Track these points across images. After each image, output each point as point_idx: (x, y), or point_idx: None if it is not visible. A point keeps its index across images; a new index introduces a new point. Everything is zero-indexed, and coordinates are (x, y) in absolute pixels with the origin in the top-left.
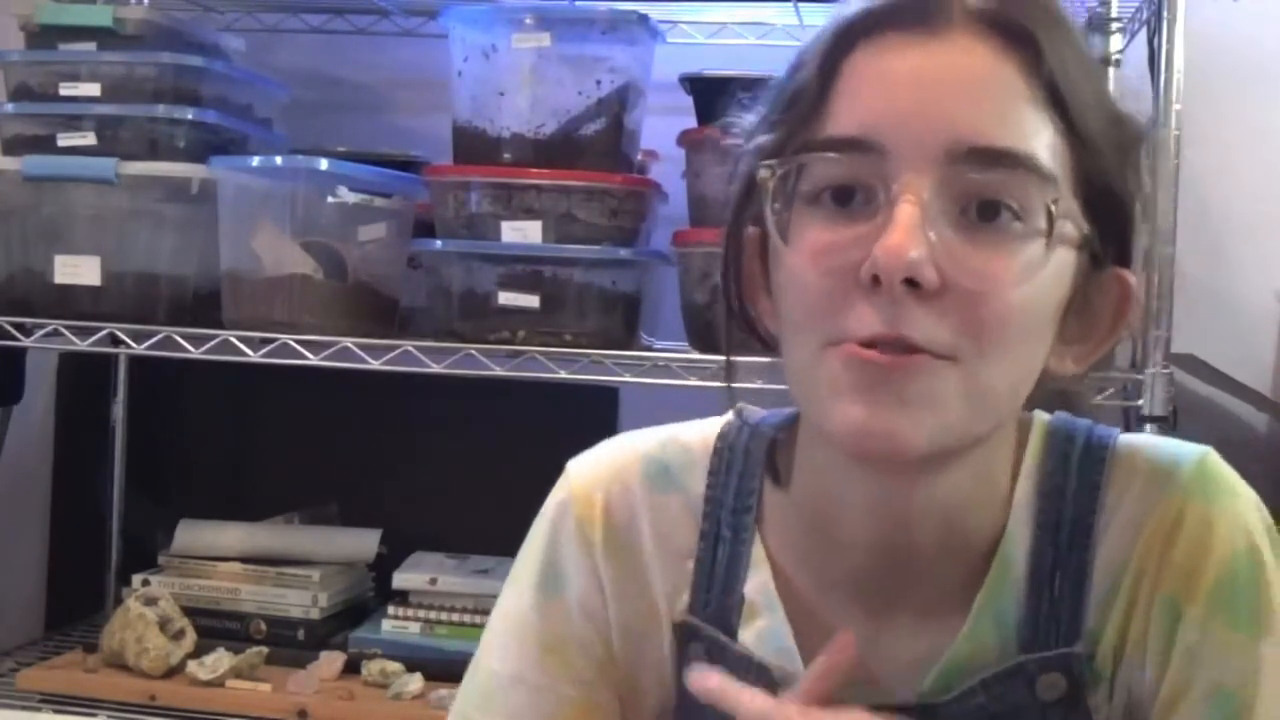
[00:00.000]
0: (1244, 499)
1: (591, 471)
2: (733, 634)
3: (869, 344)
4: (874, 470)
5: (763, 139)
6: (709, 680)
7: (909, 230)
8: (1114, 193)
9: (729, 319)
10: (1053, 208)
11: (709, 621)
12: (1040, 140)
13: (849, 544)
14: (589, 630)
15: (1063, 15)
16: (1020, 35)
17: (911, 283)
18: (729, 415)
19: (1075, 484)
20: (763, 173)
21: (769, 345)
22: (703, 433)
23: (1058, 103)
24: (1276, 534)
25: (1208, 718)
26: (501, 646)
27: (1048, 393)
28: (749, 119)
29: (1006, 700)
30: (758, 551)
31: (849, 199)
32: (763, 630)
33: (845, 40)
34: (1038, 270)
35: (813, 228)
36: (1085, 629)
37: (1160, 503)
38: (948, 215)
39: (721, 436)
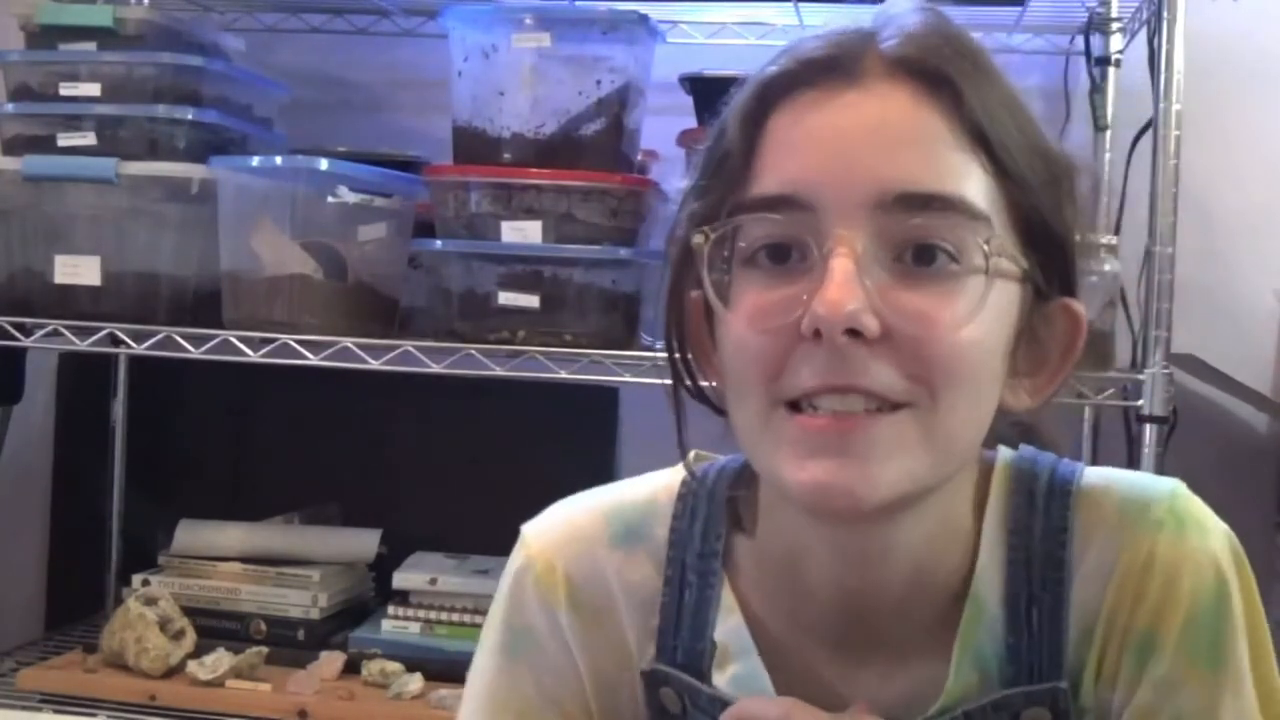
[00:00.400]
0: (1214, 534)
1: (549, 534)
2: (705, 679)
3: (814, 396)
4: (835, 525)
5: (694, 205)
6: None
7: (844, 282)
8: (1049, 226)
9: (676, 384)
10: (986, 246)
11: (678, 668)
12: (969, 181)
13: (817, 589)
14: (560, 689)
15: (983, 58)
16: (938, 80)
17: (853, 333)
18: (680, 467)
19: (1042, 523)
20: (696, 238)
21: (717, 409)
22: (665, 482)
23: (983, 144)
24: (1247, 567)
25: None
26: (472, 713)
27: (1007, 425)
28: (681, 185)
29: None
30: (727, 597)
31: (785, 257)
32: (738, 674)
33: (764, 101)
34: (979, 308)
35: (750, 290)
36: (1066, 664)
37: (1133, 541)
38: (883, 263)
39: (685, 483)
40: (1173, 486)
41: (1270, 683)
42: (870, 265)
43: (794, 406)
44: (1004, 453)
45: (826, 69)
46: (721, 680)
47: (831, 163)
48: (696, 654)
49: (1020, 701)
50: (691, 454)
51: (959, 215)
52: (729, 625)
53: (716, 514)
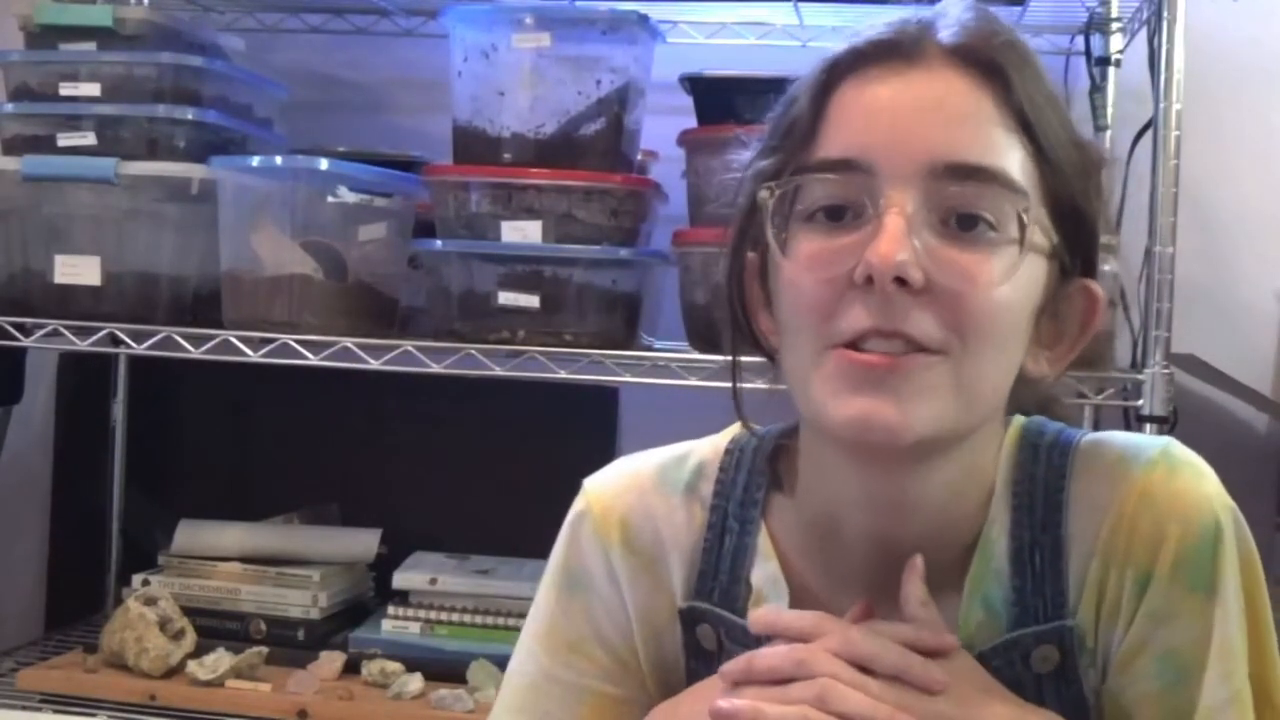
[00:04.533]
0: (1207, 476)
1: (607, 482)
2: (740, 616)
3: (863, 339)
4: (871, 464)
5: (761, 164)
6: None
7: (896, 237)
8: (1079, 209)
9: (734, 332)
10: (1024, 216)
11: (716, 605)
12: (1011, 159)
13: (850, 541)
14: (610, 627)
15: (1030, 54)
16: (991, 68)
17: (900, 282)
18: (736, 427)
19: (1044, 469)
20: (762, 194)
21: (770, 357)
22: (712, 443)
23: (1026, 128)
24: (1238, 511)
25: (1158, 676)
26: (530, 648)
27: (1029, 400)
28: (746, 153)
29: (1003, 675)
30: (765, 544)
31: (840, 215)
32: None
33: (833, 76)
34: (1013, 273)
35: (808, 241)
36: (1068, 603)
37: (1127, 480)
38: (930, 225)
39: (732, 441)
40: (1167, 439)
41: (1264, 647)
42: (919, 225)
43: (845, 348)
44: (1019, 417)
45: (890, 50)
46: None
47: (891, 132)
48: (733, 595)
49: (1030, 642)
50: (737, 425)
51: (1001, 187)
52: (765, 570)
53: (759, 470)
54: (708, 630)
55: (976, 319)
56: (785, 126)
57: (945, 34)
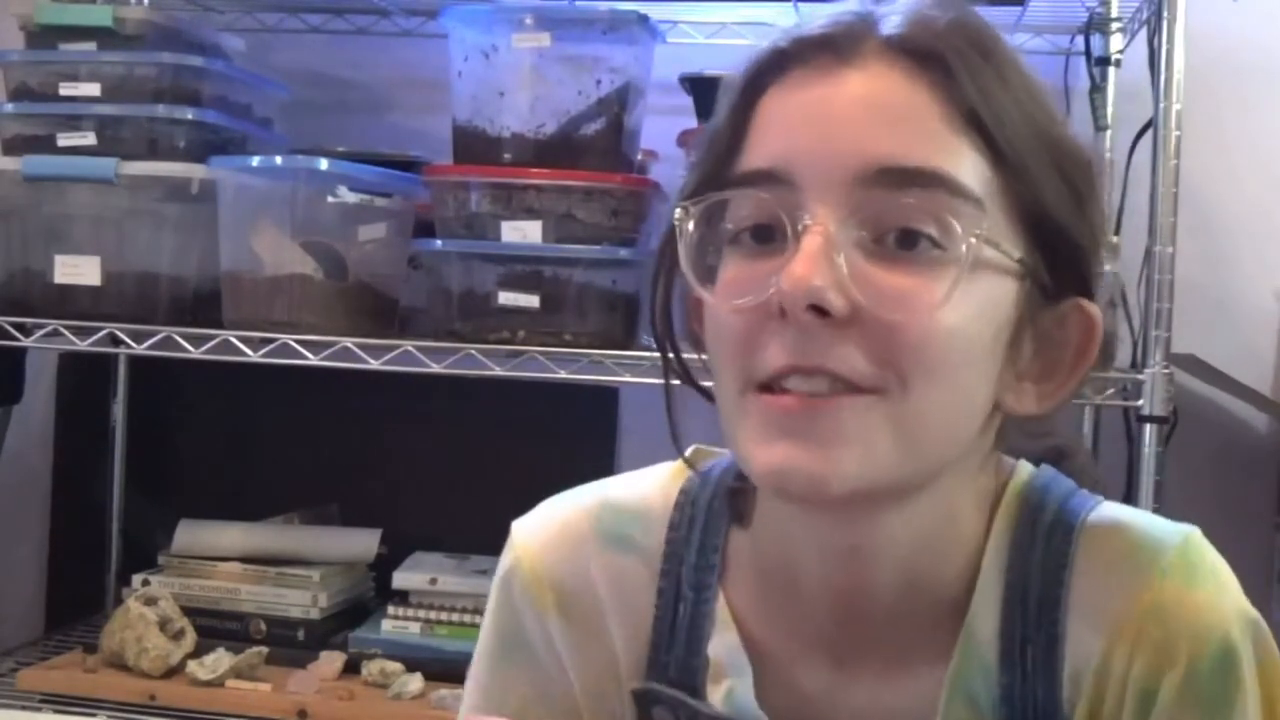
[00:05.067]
0: (1226, 587)
1: (535, 532)
2: (699, 696)
3: (781, 378)
4: (813, 513)
5: (683, 181)
6: None
7: (812, 258)
8: (1055, 220)
9: (665, 373)
10: (977, 231)
11: (672, 684)
12: (959, 161)
13: (811, 593)
14: (553, 689)
15: (989, 38)
16: (931, 57)
17: (821, 312)
18: (678, 464)
19: (1041, 557)
20: (678, 213)
21: (707, 395)
22: (659, 485)
23: (979, 127)
24: (1259, 621)
25: None
26: (472, 713)
27: (1031, 443)
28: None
29: None
30: (723, 612)
31: (768, 237)
32: (732, 691)
33: (755, 80)
34: (961, 296)
35: (728, 266)
36: (1061, 708)
37: (1136, 584)
38: (861, 243)
39: (684, 492)
40: (1187, 533)
41: None
42: (845, 244)
43: (765, 389)
44: (1021, 473)
45: (820, 47)
46: (716, 696)
47: (814, 136)
48: (691, 670)
49: None
50: (692, 449)
51: (944, 193)
52: (724, 641)
53: (715, 523)
54: (664, 715)
55: (913, 351)
56: (706, 141)
57: (885, 25)
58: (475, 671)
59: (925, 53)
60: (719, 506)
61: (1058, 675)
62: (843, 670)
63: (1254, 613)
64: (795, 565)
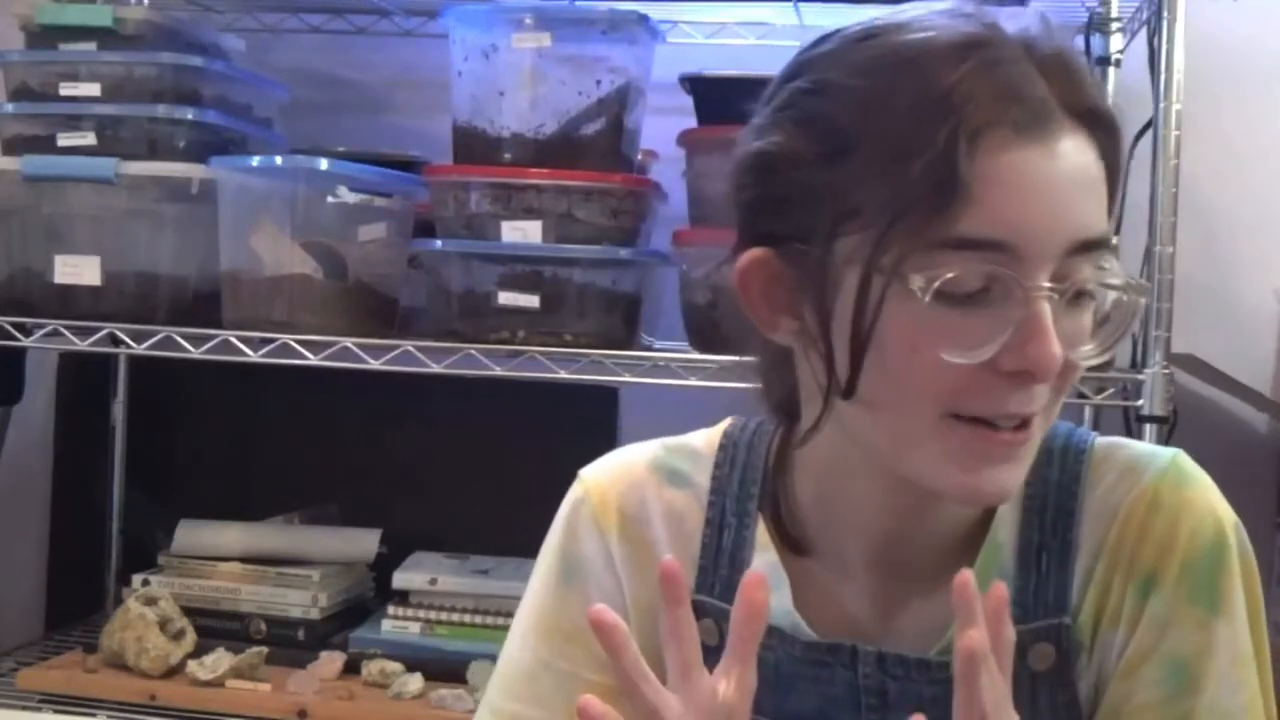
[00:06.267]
0: (1214, 491)
1: (604, 471)
2: None
3: (997, 418)
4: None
5: (857, 201)
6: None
7: (1049, 332)
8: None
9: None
10: (1117, 282)
11: (717, 598)
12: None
13: (854, 537)
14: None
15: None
16: (1105, 123)
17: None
18: (727, 420)
19: (1058, 474)
20: (915, 280)
21: (776, 358)
22: (706, 435)
23: (1114, 176)
24: (1240, 524)
25: (1160, 684)
26: (525, 636)
27: None
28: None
29: None
30: (762, 535)
31: (979, 292)
32: (772, 606)
33: (967, 136)
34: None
35: (943, 315)
36: (1070, 604)
37: (1136, 488)
38: (1057, 305)
39: (726, 435)
40: (1177, 450)
41: (1260, 664)
42: (1056, 307)
43: (970, 418)
44: None
45: (1023, 114)
46: None
47: (1041, 211)
48: (734, 586)
49: (1027, 638)
50: (729, 419)
51: (1110, 256)
52: (764, 560)
53: (754, 463)
54: (710, 625)
55: (1071, 382)
56: (913, 180)
57: (1059, 85)
58: (533, 593)
59: (1101, 118)
60: (759, 448)
61: (1069, 577)
62: (880, 591)
63: (1237, 519)
64: (840, 514)
